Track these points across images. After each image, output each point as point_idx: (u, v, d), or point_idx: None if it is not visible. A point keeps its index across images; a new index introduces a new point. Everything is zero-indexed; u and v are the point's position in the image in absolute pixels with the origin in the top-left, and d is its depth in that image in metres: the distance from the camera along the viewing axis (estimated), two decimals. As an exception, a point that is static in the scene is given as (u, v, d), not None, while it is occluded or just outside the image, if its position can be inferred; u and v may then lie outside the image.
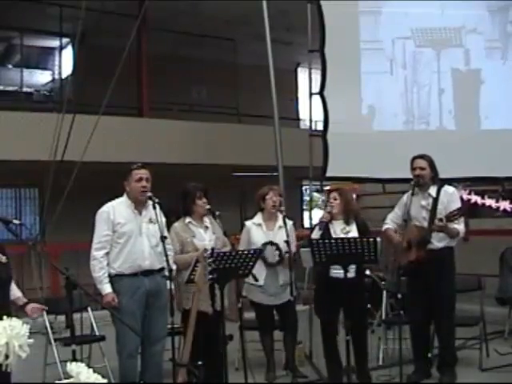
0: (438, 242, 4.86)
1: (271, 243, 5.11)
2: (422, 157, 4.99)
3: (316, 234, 4.78)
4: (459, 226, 4.80)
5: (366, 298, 5.04)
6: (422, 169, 4.94)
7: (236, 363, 5.30)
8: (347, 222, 4.82)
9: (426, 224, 4.89)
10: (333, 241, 4.36)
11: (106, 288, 4.29)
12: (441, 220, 4.68)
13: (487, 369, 5.13)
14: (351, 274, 4.62)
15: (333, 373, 4.84)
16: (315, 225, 5.06)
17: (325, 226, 4.80)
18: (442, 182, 5.01)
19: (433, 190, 4.95)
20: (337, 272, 4.54)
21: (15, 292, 3.98)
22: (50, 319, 5.23)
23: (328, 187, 7.22)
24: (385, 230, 5.13)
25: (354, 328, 4.53)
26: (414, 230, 4.90)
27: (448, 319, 4.94)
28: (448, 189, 5.00)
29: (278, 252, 5.10)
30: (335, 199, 4.85)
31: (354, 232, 4.76)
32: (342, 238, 4.43)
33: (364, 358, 4.83)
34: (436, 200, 4.90)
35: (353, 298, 4.56)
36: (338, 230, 4.80)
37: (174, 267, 4.40)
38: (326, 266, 4.62)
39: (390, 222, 5.15)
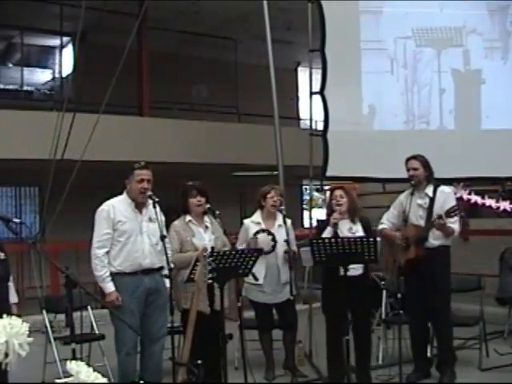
0: (434, 240, 4.87)
1: (263, 230, 5.08)
2: (414, 157, 5.02)
3: (327, 234, 4.72)
4: (454, 225, 4.82)
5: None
6: (415, 169, 4.96)
7: (235, 362, 5.29)
8: (353, 221, 4.81)
9: (422, 222, 4.91)
10: (333, 240, 4.35)
11: (110, 287, 4.27)
12: (440, 217, 4.69)
13: (487, 369, 5.13)
14: (358, 271, 4.64)
15: (335, 371, 4.81)
16: (325, 224, 4.93)
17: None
18: (437, 182, 5.03)
19: (429, 190, 4.97)
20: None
21: (12, 298, 3.98)
22: (49, 318, 5.24)
23: (328, 187, 7.22)
24: (381, 229, 5.13)
25: (359, 327, 4.52)
26: (412, 228, 4.91)
27: (445, 318, 4.94)
28: (444, 189, 5.03)
29: (271, 237, 5.08)
30: (342, 197, 4.79)
31: (360, 232, 4.74)
32: (343, 238, 4.41)
33: (367, 358, 4.82)
34: (432, 199, 4.92)
35: (361, 295, 4.59)
36: (345, 229, 4.75)
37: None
38: (328, 265, 4.61)
39: (386, 222, 5.16)
